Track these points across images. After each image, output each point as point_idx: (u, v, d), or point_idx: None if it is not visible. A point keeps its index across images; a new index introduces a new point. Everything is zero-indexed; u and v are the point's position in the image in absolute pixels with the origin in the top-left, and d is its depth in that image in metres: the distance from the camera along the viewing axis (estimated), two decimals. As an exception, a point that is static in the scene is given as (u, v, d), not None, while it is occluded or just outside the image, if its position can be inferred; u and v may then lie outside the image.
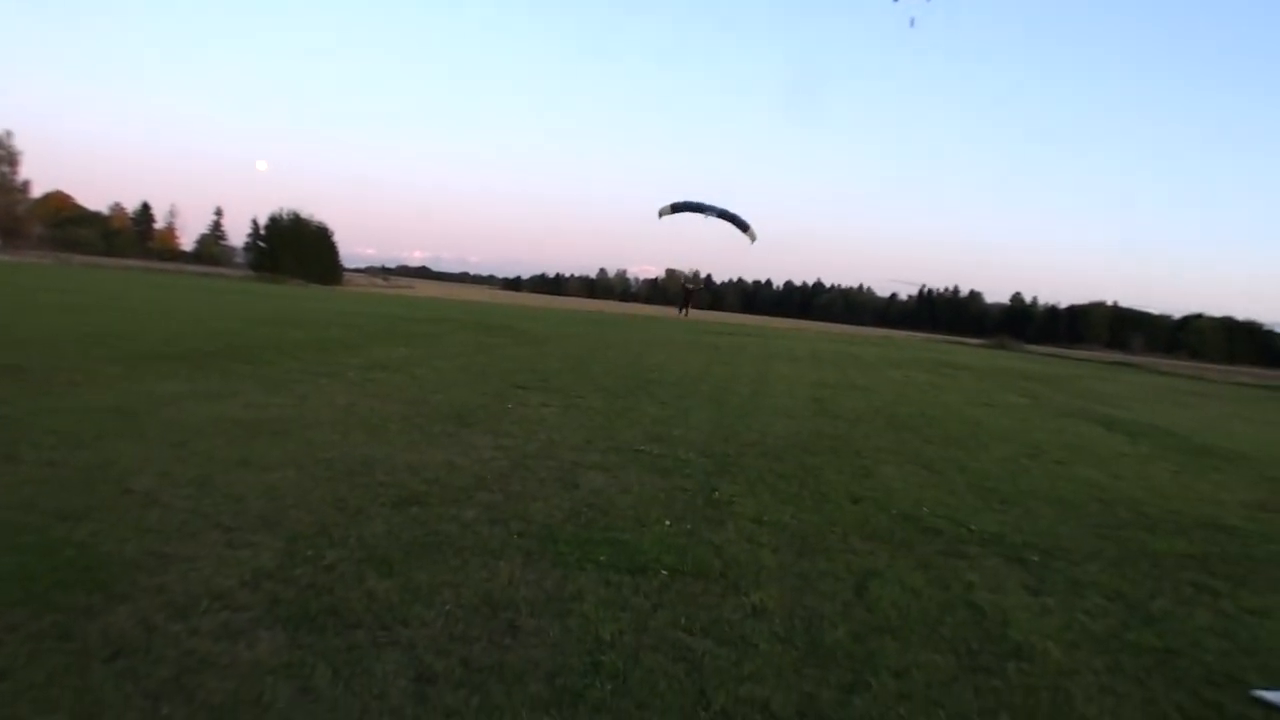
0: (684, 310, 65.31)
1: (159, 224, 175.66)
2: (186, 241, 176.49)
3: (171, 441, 11.05)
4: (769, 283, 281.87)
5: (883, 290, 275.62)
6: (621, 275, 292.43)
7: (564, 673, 5.69)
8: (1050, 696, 6.10)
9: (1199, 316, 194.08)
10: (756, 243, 67.94)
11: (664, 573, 7.84)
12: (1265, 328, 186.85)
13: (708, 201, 63.98)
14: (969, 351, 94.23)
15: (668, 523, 9.56)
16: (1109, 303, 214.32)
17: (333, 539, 7.90)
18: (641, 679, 5.69)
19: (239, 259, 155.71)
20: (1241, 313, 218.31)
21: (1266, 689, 6.52)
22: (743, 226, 61.23)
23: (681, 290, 71.77)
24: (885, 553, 9.22)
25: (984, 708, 5.82)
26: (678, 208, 60.86)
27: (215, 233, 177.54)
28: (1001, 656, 6.72)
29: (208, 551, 7.28)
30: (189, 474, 9.61)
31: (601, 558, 8.06)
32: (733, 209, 61.05)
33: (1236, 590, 9.05)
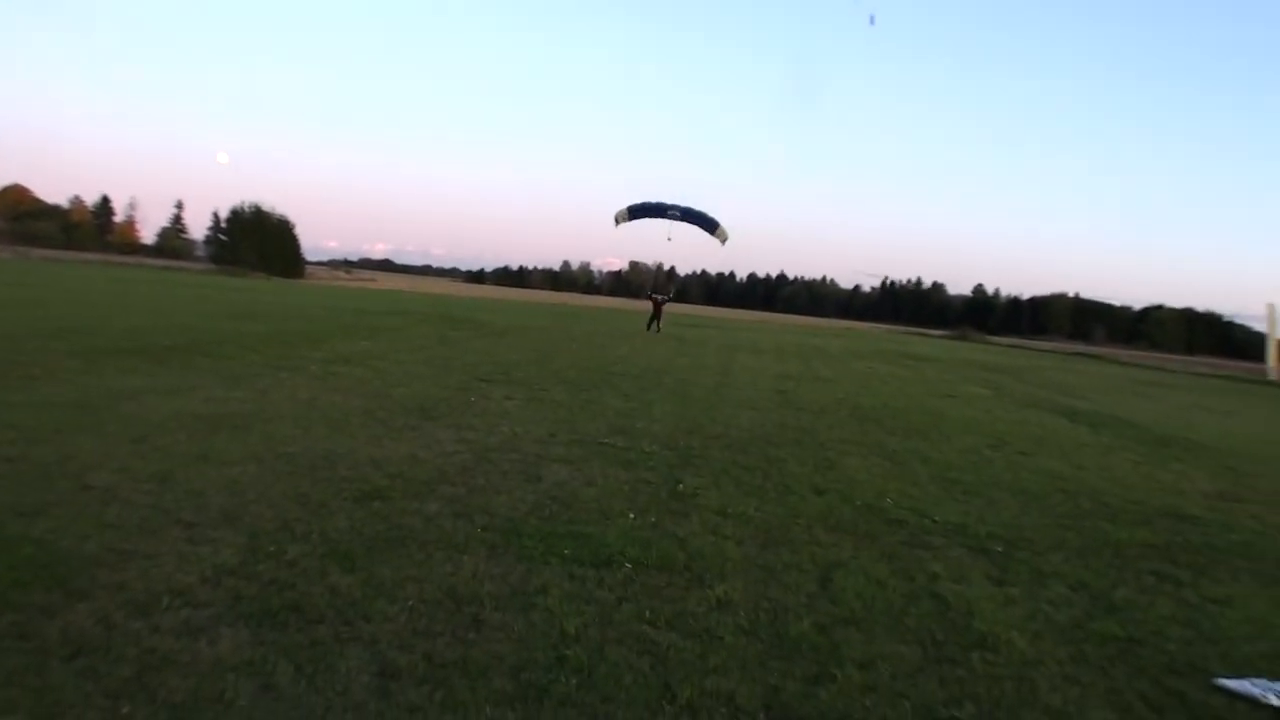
0: (653, 324, 53.52)
1: (119, 217, 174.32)
2: (147, 235, 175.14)
3: (131, 437, 10.95)
4: (732, 275, 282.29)
5: (846, 282, 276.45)
6: (585, 268, 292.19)
7: (528, 667, 5.66)
8: (1015, 686, 6.11)
9: (1159, 308, 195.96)
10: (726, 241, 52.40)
11: (628, 566, 7.82)
12: (1224, 319, 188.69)
13: (669, 200, 51.31)
14: (932, 343, 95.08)
15: (632, 516, 9.55)
16: (1070, 294, 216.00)
17: (295, 534, 7.84)
18: (606, 673, 5.67)
19: (200, 252, 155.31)
20: (1201, 304, 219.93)
21: (1228, 677, 6.56)
22: (710, 227, 50.49)
23: (650, 301, 57.17)
24: (849, 544, 9.23)
25: (949, 698, 5.83)
26: (636, 212, 50.89)
27: (176, 226, 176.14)
28: (966, 647, 6.73)
29: (168, 548, 7.21)
30: (149, 469, 9.53)
31: (566, 551, 8.03)
32: (698, 205, 50.44)
33: (1198, 579, 9.11)
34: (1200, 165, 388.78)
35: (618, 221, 49.63)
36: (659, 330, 51.14)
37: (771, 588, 7.67)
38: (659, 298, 54.71)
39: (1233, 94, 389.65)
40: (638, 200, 50.92)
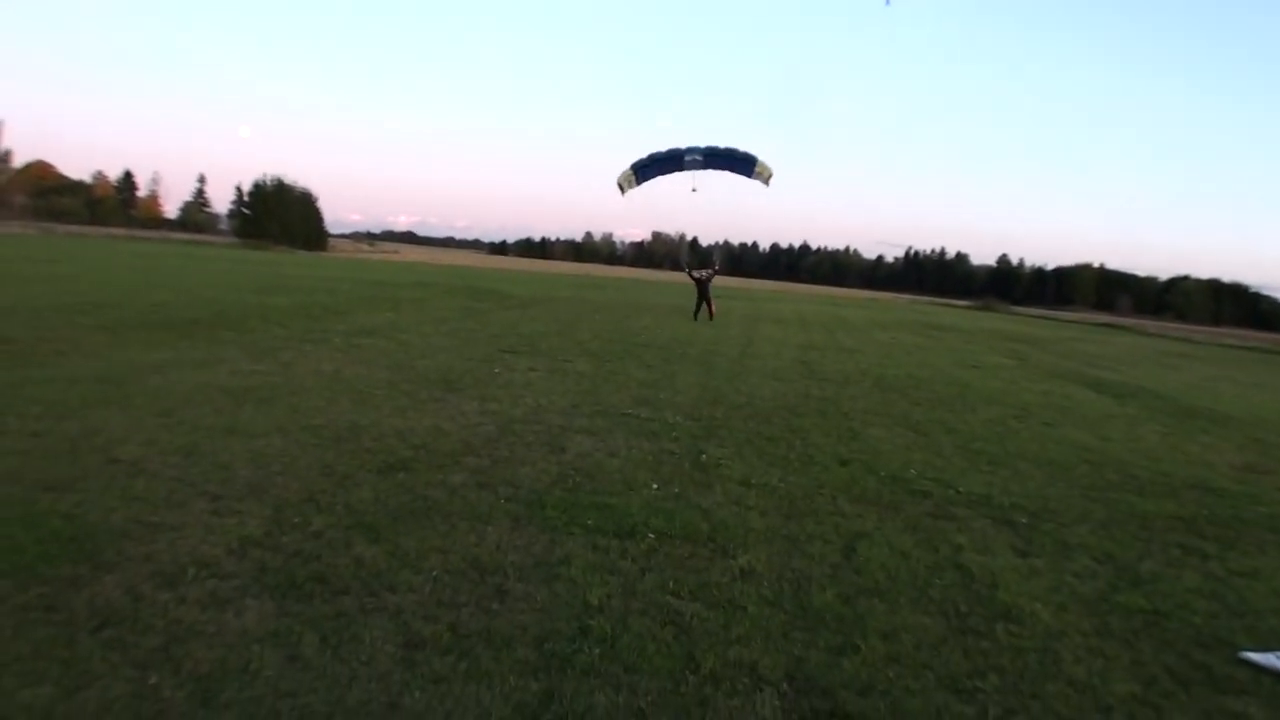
0: (703, 308, 38.02)
1: (142, 192, 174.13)
2: (170, 209, 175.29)
3: (158, 410, 11.01)
4: (755, 245, 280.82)
5: (869, 252, 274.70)
6: (608, 238, 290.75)
7: (552, 637, 5.68)
8: (1039, 658, 6.10)
9: (1186, 278, 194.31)
10: (769, 180, 34.58)
11: (652, 536, 7.84)
12: (1251, 290, 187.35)
13: (685, 145, 34.75)
14: (956, 313, 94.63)
15: (655, 486, 9.56)
16: (1096, 265, 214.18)
17: (320, 506, 7.88)
18: (630, 643, 5.69)
19: (223, 226, 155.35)
20: (1228, 275, 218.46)
21: (1254, 650, 6.53)
22: (746, 166, 34.40)
23: (693, 282, 39.71)
24: (873, 515, 9.23)
25: (973, 669, 5.82)
26: (644, 171, 35.07)
27: (199, 200, 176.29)
28: (990, 618, 6.72)
29: (195, 520, 7.26)
30: (176, 442, 9.58)
31: (589, 522, 8.06)
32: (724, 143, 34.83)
33: (1225, 552, 9.07)
34: (1228, 136, 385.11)
35: (623, 188, 34.16)
36: (711, 317, 36.83)
37: (795, 558, 7.67)
38: (701, 274, 38.00)
39: (1264, 63, 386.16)
40: (644, 154, 34.13)
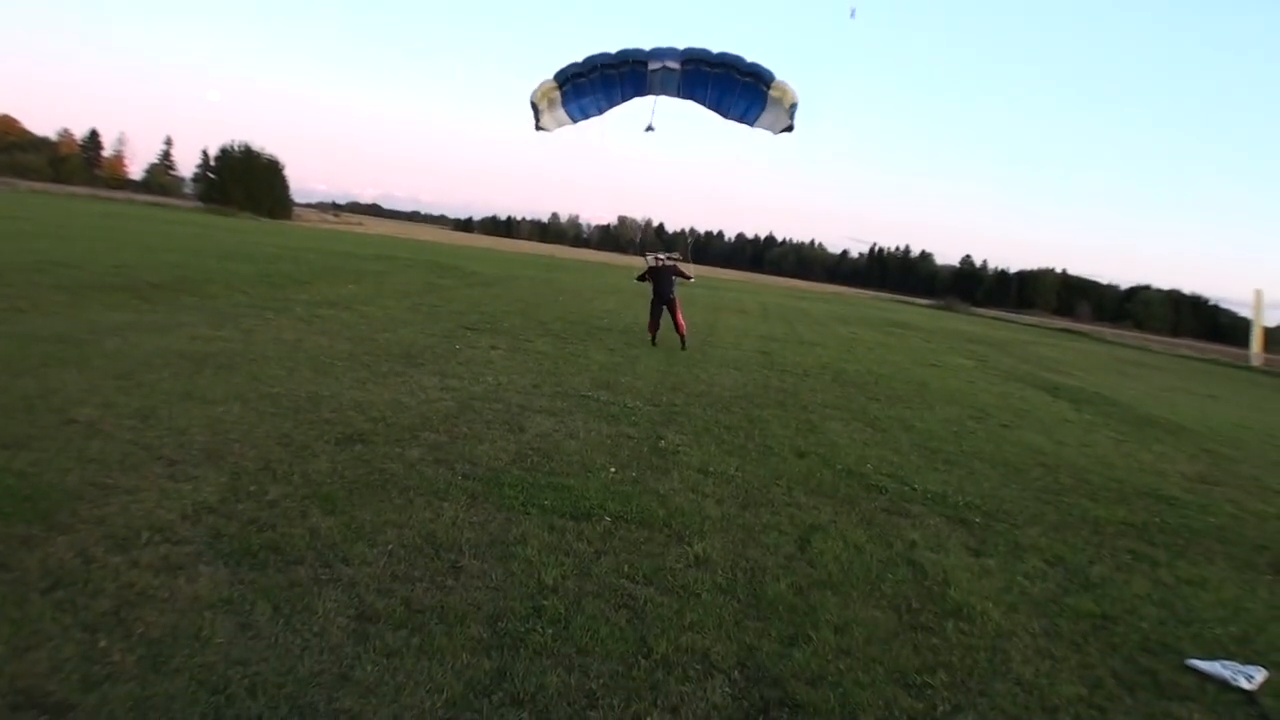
0: (664, 320, 23.14)
1: (107, 152, 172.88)
2: (135, 171, 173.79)
3: (116, 372, 10.93)
4: (720, 234, 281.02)
5: (835, 247, 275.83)
6: (574, 220, 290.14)
7: (506, 616, 5.69)
8: (988, 657, 6.16)
9: (1146, 288, 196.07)
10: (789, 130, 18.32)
11: (608, 519, 7.86)
12: (1211, 302, 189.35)
13: (657, 45, 18.41)
14: (918, 311, 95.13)
15: (613, 470, 9.59)
16: (1058, 270, 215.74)
17: (276, 475, 7.86)
18: (583, 625, 5.70)
19: (188, 190, 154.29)
20: (1188, 287, 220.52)
21: (1200, 659, 6.62)
22: (751, 94, 18.07)
23: (649, 279, 23.36)
24: (829, 508, 9.28)
25: (922, 665, 5.87)
26: (579, 91, 19.06)
27: (165, 163, 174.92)
28: (941, 615, 6.78)
29: (149, 484, 7.22)
30: (133, 405, 9.52)
31: (546, 502, 8.08)
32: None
33: (1175, 560, 9.18)
34: (1194, 148, 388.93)
35: (540, 114, 19.22)
36: (682, 338, 23.00)
37: (750, 548, 7.71)
38: (662, 260, 23.45)
39: (1228, 79, 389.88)
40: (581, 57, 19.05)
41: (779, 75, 17.44)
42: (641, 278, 23.32)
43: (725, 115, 18.61)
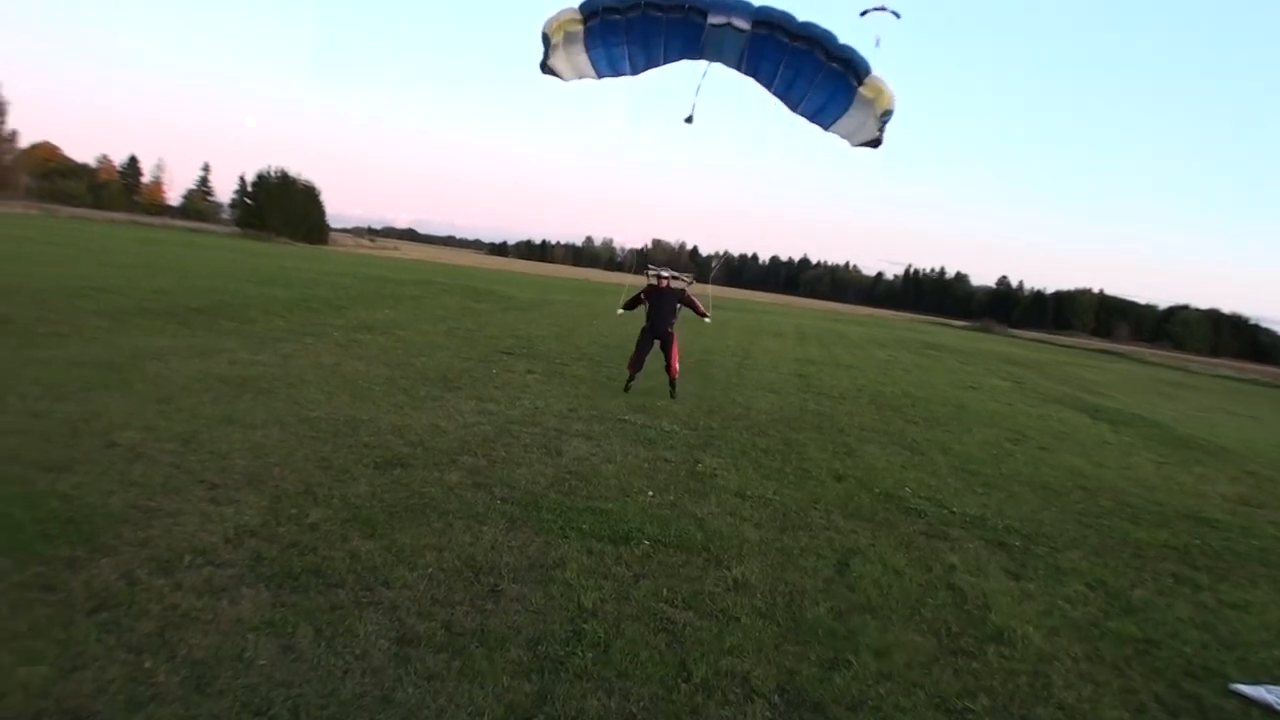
0: (652, 356, 17.05)
1: (146, 178, 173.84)
2: (173, 196, 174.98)
3: (157, 396, 11.02)
4: (755, 257, 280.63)
5: (870, 269, 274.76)
6: (608, 244, 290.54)
7: (545, 639, 5.70)
8: (1030, 681, 6.13)
9: (1185, 308, 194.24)
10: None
11: (646, 543, 7.86)
12: (1250, 321, 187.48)
13: None
14: (954, 333, 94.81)
15: (651, 493, 9.59)
16: (1095, 290, 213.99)
17: (317, 499, 7.90)
18: (623, 648, 5.70)
19: (225, 216, 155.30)
20: (1227, 306, 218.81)
21: (1244, 683, 6.56)
22: (837, 85, 12.68)
23: (649, 292, 17.11)
24: (867, 531, 9.25)
25: (963, 689, 5.85)
26: (613, 37, 13.15)
27: (202, 188, 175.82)
28: (982, 640, 6.74)
29: (192, 507, 7.27)
30: (174, 429, 9.59)
31: (584, 526, 8.08)
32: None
33: (1217, 583, 9.11)
34: (1233, 166, 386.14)
35: (550, 51, 13.13)
36: (672, 381, 17.28)
37: (789, 571, 7.69)
38: (664, 278, 17.46)
39: (1268, 94, 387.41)
40: None
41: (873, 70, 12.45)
42: (633, 302, 17.25)
43: (794, 108, 13.58)
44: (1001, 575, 8.41)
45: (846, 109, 13.06)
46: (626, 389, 16.62)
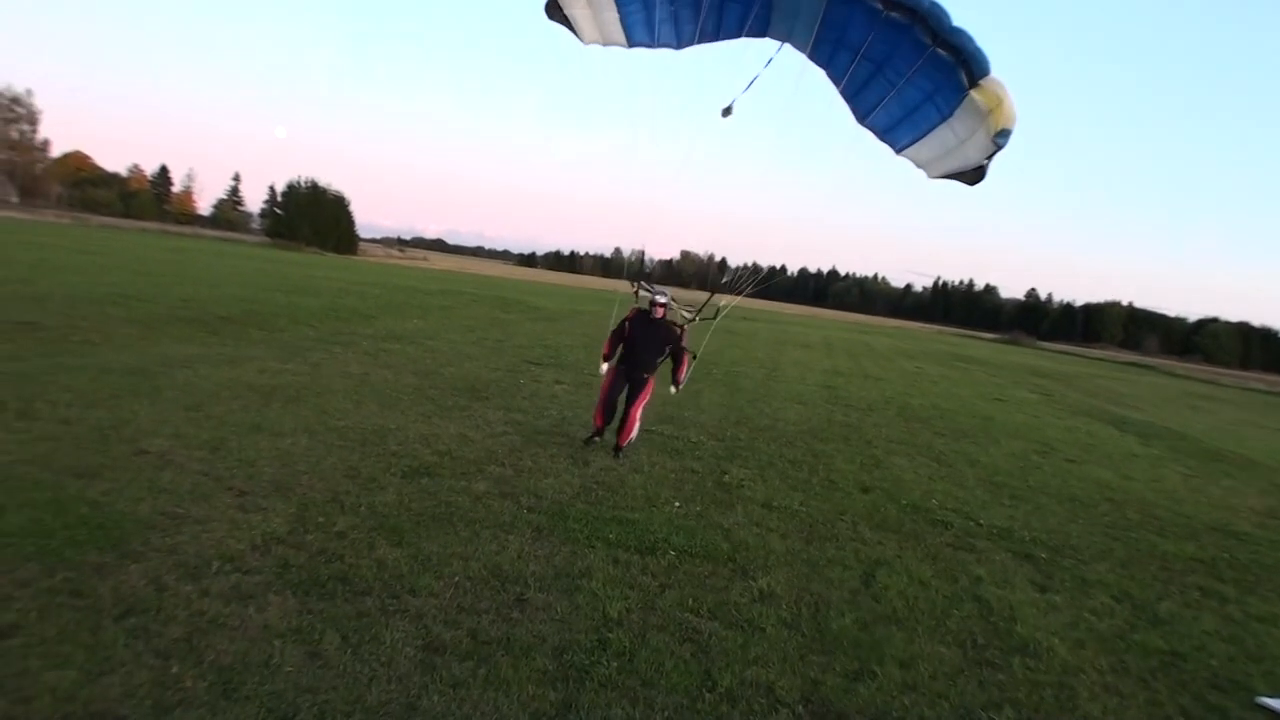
0: (624, 390, 12.05)
1: (176, 187, 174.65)
2: (204, 206, 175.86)
3: (186, 404, 11.08)
4: (783, 268, 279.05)
5: (898, 281, 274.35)
6: (637, 255, 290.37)
7: (571, 649, 5.72)
8: (1055, 693, 6.12)
9: (1214, 320, 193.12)
10: None
11: (672, 553, 7.86)
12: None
13: None
14: (982, 345, 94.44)
15: (677, 504, 9.59)
16: (1124, 302, 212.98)
17: (344, 506, 7.94)
18: (648, 658, 5.71)
19: (255, 225, 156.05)
20: (1258, 319, 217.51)
21: (1271, 696, 6.52)
22: (940, 82, 8.63)
23: (634, 320, 11.99)
24: (894, 543, 9.24)
25: (989, 701, 5.84)
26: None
27: (232, 198, 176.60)
28: (1007, 651, 6.74)
29: (220, 514, 7.31)
30: (203, 437, 9.64)
31: (611, 536, 8.09)
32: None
33: (1244, 596, 9.06)
34: (1263, 178, 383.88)
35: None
36: (618, 450, 11.93)
37: (814, 582, 7.69)
38: (658, 300, 12.12)
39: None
40: None
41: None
42: (617, 334, 12.26)
43: (864, 115, 9.89)
44: (1028, 587, 8.39)
45: (945, 118, 9.10)
46: (588, 443, 12.20)
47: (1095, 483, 14.34)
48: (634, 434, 11.87)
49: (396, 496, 8.45)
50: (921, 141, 9.62)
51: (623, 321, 11.90)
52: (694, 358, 12.34)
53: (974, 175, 9.53)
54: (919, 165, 10.11)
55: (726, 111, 10.02)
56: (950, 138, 9.23)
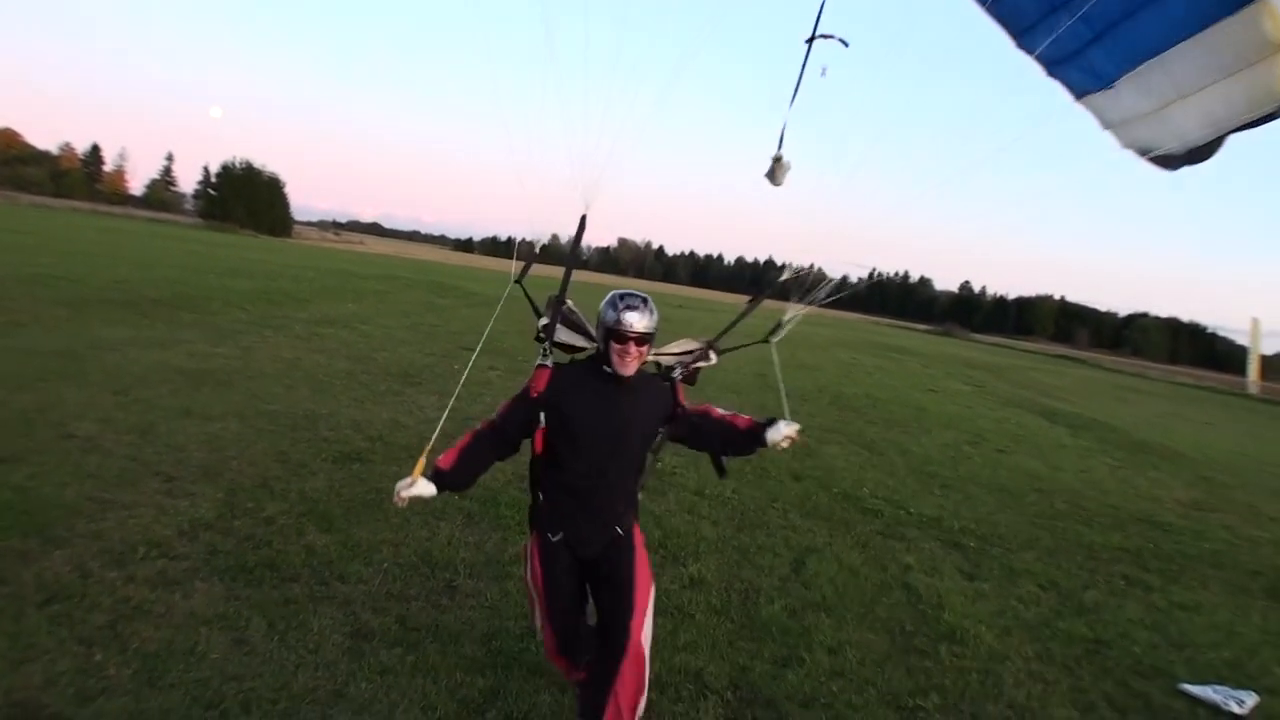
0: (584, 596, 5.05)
1: (109, 167, 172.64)
2: (136, 186, 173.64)
3: (114, 388, 10.94)
4: (720, 257, 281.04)
5: (833, 271, 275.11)
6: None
7: (500, 635, 5.72)
8: (981, 680, 6.19)
9: (1144, 315, 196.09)
10: None
11: (605, 540, 7.85)
12: (1208, 330, 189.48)
13: None
14: (917, 337, 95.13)
15: (610, 491, 9.56)
16: (1056, 296, 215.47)
17: (273, 492, 7.88)
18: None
19: (188, 206, 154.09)
20: (1186, 314, 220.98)
21: (1193, 683, 6.64)
22: None
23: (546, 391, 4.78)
24: (824, 531, 9.30)
25: (915, 687, 5.90)
26: None
27: (165, 179, 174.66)
28: (935, 638, 6.81)
29: (147, 500, 7.24)
30: (131, 421, 9.53)
31: (543, 522, 8.06)
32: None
33: (1168, 585, 9.20)
34: (1192, 174, 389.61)
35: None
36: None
37: (745, 569, 7.73)
38: (627, 334, 4.72)
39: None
40: None
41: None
42: (512, 421, 5.06)
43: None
44: (956, 575, 8.48)
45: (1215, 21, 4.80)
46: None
47: (1024, 473, 14.51)
48: (643, 697, 4.85)
49: (327, 482, 8.40)
50: (1160, 62, 5.17)
51: (526, 390, 5.03)
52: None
53: (1205, 150, 5.54)
54: (1115, 117, 5.88)
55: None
56: (1210, 62, 4.96)
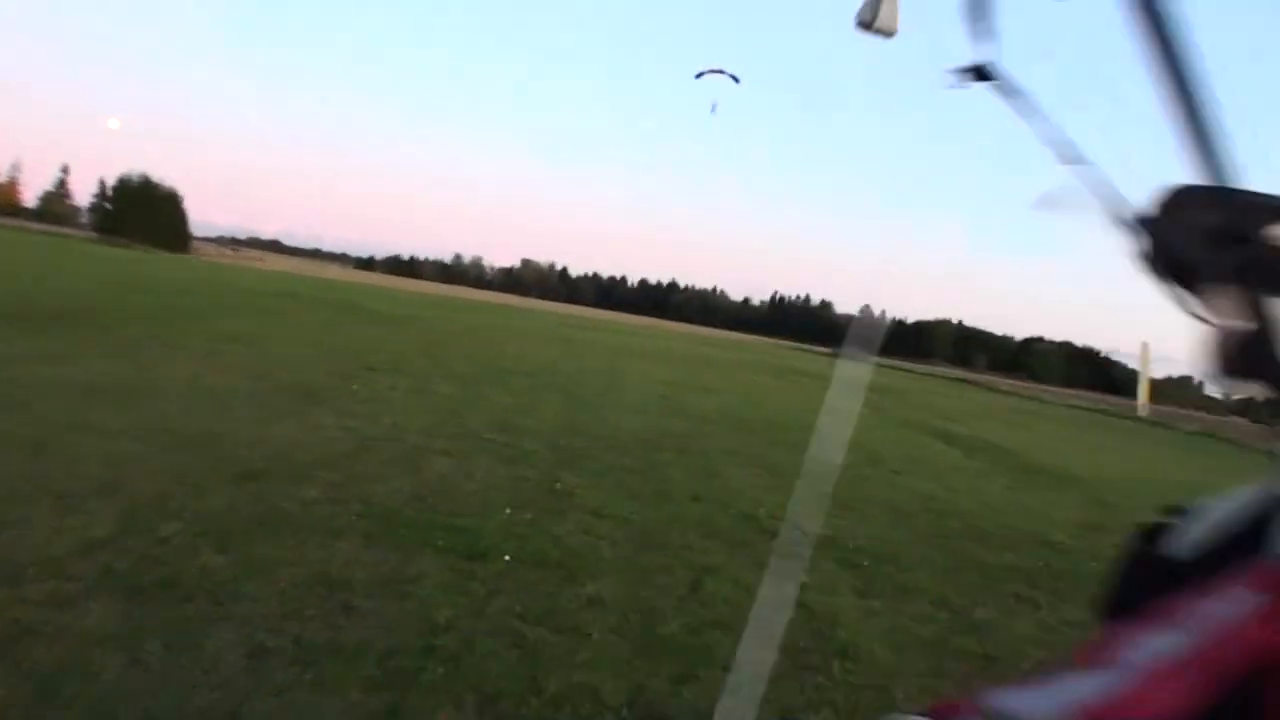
0: None
1: (0, 178, 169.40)
2: (29, 198, 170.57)
3: (7, 404, 10.76)
4: (624, 279, 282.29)
5: (737, 294, 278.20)
6: (477, 262, 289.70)
7: (398, 654, 5.72)
8: (873, 695, 6.31)
9: (1040, 339, 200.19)
10: None
11: (504, 559, 7.90)
12: (1102, 354, 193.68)
13: None
14: (817, 359, 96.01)
15: (509, 511, 9.61)
16: (954, 320, 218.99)
17: (170, 510, 7.80)
18: (475, 664, 5.75)
19: (84, 220, 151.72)
20: (1080, 339, 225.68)
21: None
22: None
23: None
24: (723, 551, 9.40)
25: (808, 703, 6.01)
26: None
27: (60, 191, 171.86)
28: (828, 655, 6.92)
29: (39, 518, 7.14)
30: (25, 435, 9.40)
31: (441, 542, 8.08)
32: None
33: (1059, 603, 9.44)
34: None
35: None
36: None
37: (643, 589, 7.80)
38: None
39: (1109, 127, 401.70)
40: None
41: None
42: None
43: None
44: (850, 594, 8.62)
45: None
46: None
47: (920, 494, 14.75)
48: None
49: (224, 501, 8.33)
50: None
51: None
52: None
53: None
54: None
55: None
56: None
